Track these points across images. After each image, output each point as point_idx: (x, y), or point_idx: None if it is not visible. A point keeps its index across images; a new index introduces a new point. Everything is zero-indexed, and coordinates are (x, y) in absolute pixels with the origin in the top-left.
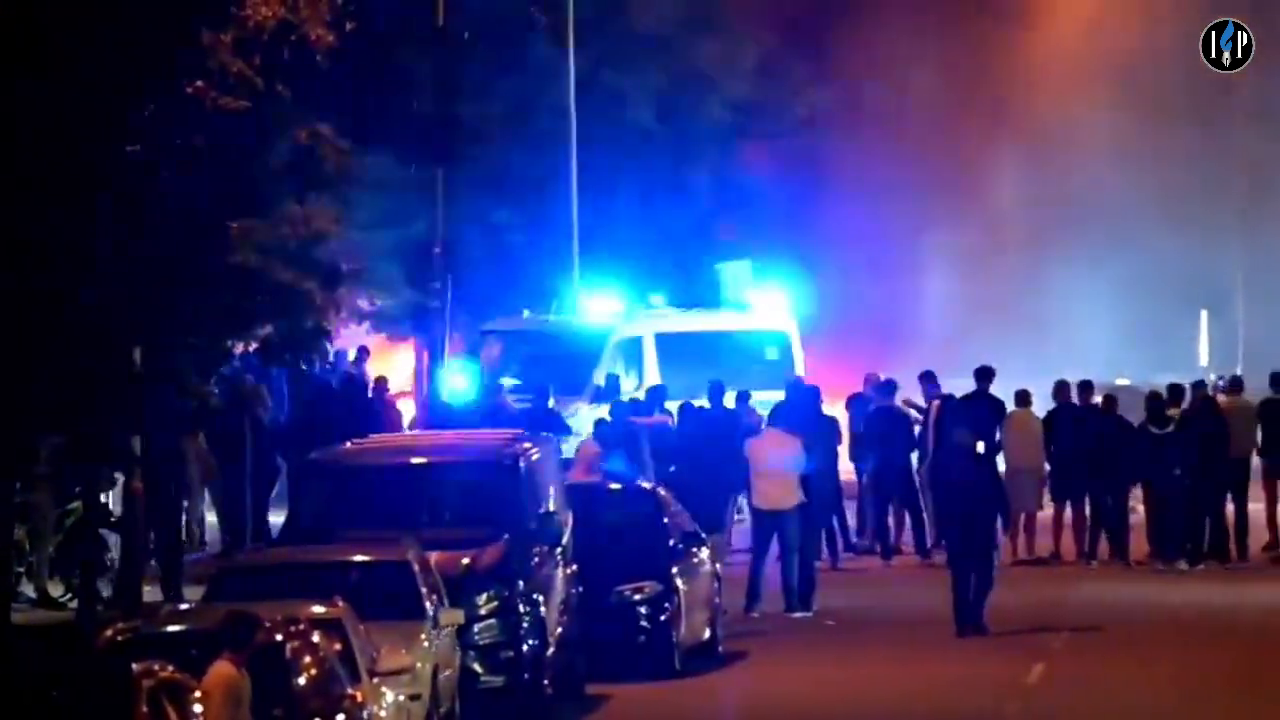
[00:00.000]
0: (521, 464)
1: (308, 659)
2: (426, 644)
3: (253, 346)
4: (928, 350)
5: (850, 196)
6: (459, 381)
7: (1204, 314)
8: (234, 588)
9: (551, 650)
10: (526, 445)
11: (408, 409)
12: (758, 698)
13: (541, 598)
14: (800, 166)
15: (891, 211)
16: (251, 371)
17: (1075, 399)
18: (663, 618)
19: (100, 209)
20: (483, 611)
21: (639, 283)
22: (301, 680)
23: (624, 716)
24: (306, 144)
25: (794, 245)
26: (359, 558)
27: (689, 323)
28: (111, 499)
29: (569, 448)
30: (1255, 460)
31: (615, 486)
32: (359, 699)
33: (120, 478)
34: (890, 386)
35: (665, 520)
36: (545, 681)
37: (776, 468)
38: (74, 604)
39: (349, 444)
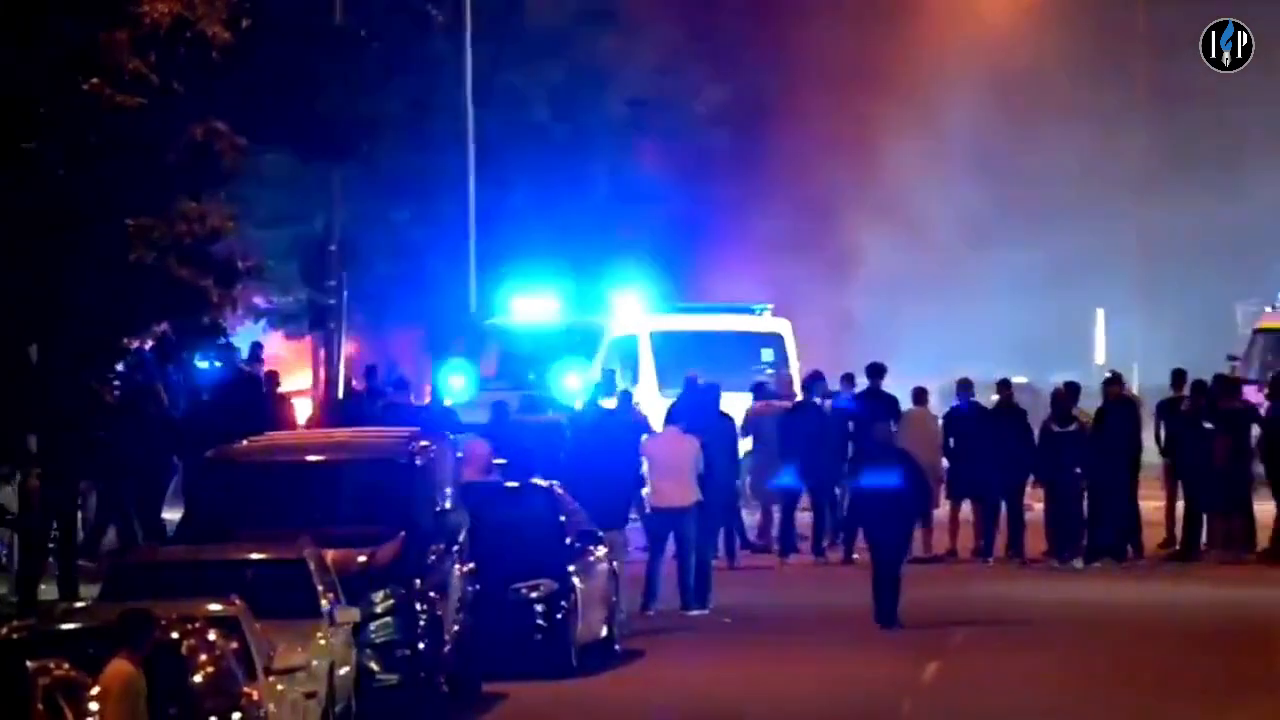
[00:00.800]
0: (418, 462)
1: (204, 657)
2: (322, 642)
3: (149, 344)
4: (822, 348)
5: (747, 193)
6: (457, 381)
7: (1100, 312)
8: (130, 586)
9: (448, 648)
10: (423, 444)
11: (305, 408)
12: (654, 695)
13: (438, 596)
14: (698, 162)
15: (787, 209)
16: (146, 369)
17: (975, 396)
18: (559, 615)
19: None
20: (379, 609)
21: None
22: (198, 678)
23: (520, 714)
24: (203, 141)
25: (689, 240)
26: (255, 556)
27: (685, 323)
28: (6, 497)
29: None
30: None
31: (511, 485)
32: (255, 697)
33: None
34: (818, 380)
35: (561, 518)
36: (441, 679)
37: (673, 466)
38: None
39: (245, 442)
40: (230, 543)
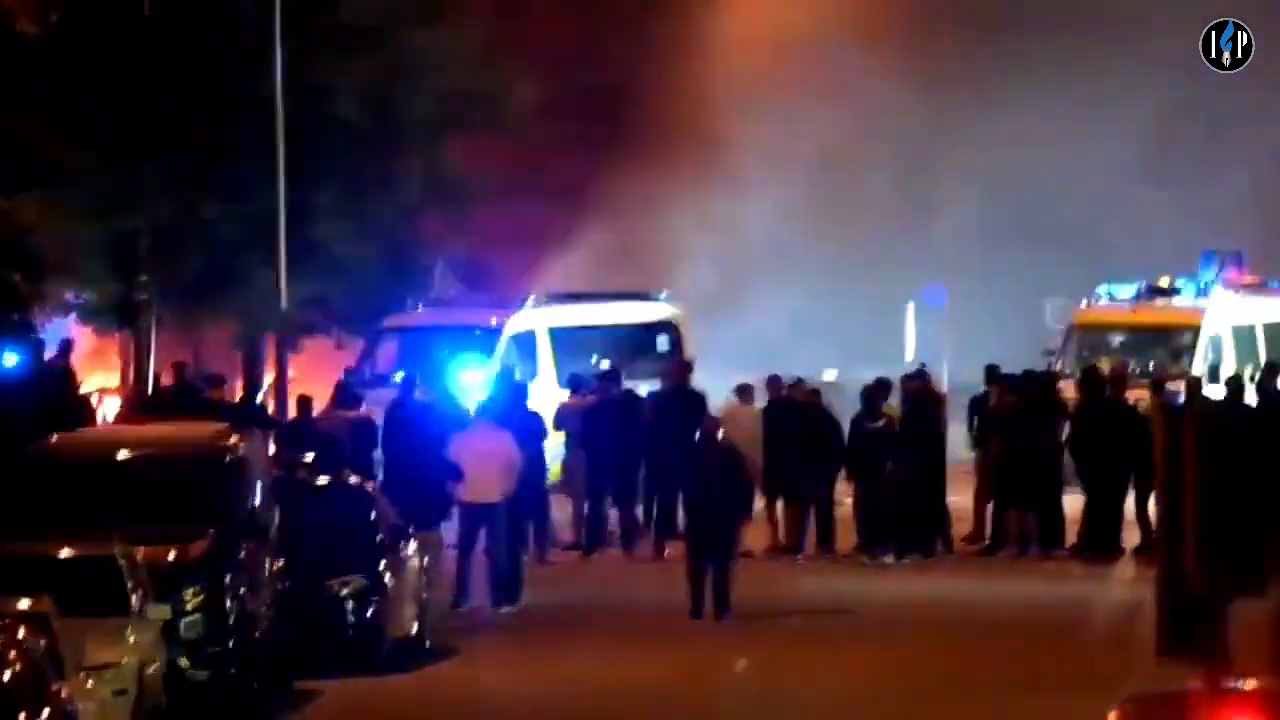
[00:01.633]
0: (228, 458)
1: (13, 655)
2: (132, 639)
3: None
4: None
5: (567, 191)
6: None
7: (910, 306)
8: None
9: (259, 644)
10: (234, 439)
11: (114, 405)
12: (465, 691)
13: (249, 592)
14: (511, 160)
15: (602, 208)
16: None
17: (785, 393)
18: (370, 611)
19: None
20: (189, 606)
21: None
22: (6, 676)
23: (332, 710)
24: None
25: (503, 239)
26: (65, 553)
27: (581, 316)
28: None
29: None
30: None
31: (322, 481)
32: (65, 695)
33: None
34: (614, 375)
35: (373, 515)
36: (253, 676)
37: (484, 462)
38: None
39: (55, 437)
40: (39, 540)
